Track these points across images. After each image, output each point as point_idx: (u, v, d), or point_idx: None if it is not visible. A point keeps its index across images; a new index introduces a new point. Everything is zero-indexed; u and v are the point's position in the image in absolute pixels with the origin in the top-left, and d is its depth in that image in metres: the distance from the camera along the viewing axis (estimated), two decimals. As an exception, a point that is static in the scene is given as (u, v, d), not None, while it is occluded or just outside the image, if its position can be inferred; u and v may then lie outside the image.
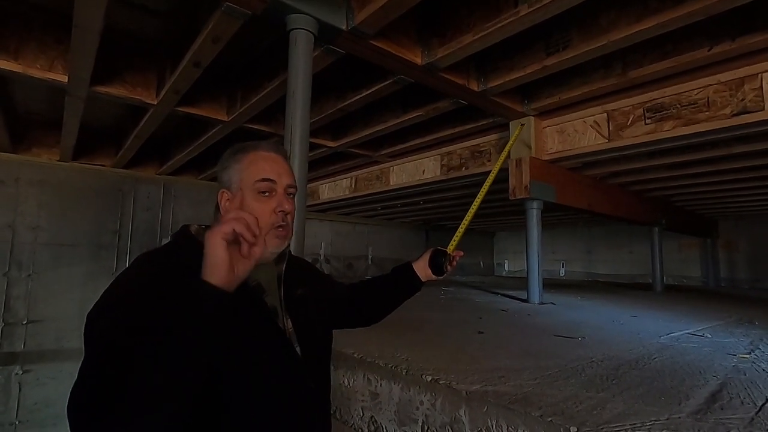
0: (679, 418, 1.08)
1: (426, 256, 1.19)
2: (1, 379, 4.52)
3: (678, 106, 2.96)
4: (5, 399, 4.51)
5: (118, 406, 0.58)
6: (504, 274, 10.55)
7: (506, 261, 10.69)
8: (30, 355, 4.68)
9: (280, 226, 0.86)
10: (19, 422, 4.54)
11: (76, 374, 0.66)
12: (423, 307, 3.34)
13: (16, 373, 4.59)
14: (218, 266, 0.62)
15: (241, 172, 0.86)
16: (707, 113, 2.83)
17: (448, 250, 1.21)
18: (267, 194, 0.85)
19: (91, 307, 0.72)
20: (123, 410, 0.58)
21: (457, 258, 1.23)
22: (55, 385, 4.71)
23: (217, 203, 0.88)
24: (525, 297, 3.93)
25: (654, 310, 3.53)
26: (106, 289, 0.74)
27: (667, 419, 1.07)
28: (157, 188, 5.79)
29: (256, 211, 0.83)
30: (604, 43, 2.35)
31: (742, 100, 2.69)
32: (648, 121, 3.09)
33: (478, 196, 1.56)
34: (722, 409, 1.15)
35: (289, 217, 0.87)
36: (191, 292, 0.63)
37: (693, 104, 2.89)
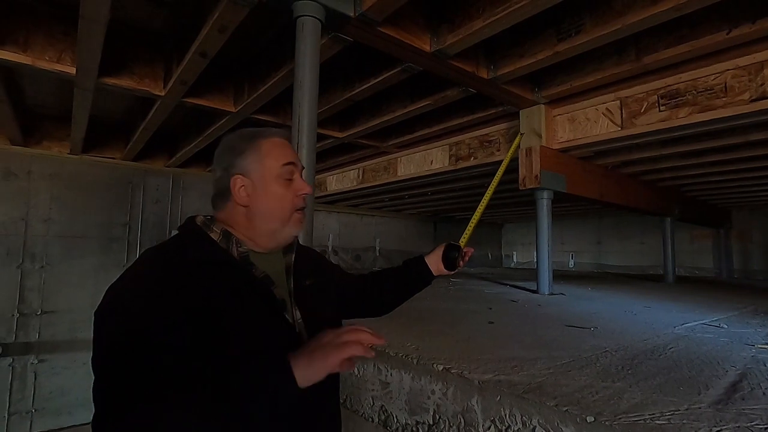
0: (699, 408, 1.06)
1: (439, 251, 1.18)
2: (17, 368, 4.62)
3: (694, 92, 2.88)
4: (22, 387, 4.62)
5: (138, 411, 0.60)
6: (512, 265, 10.49)
7: (514, 252, 10.62)
8: (45, 345, 4.77)
9: (300, 209, 0.89)
10: (35, 410, 4.65)
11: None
12: (432, 298, 3.33)
13: (32, 363, 4.69)
14: (318, 375, 0.61)
15: (264, 159, 0.85)
16: (724, 99, 2.75)
17: (460, 244, 1.19)
18: (289, 179, 0.88)
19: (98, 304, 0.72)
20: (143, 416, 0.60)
21: (469, 254, 1.21)
22: (69, 374, 4.79)
23: (226, 189, 0.84)
24: (534, 288, 3.90)
25: (667, 301, 3.49)
26: (112, 286, 0.73)
27: (687, 409, 1.04)
28: (166, 180, 5.82)
29: (280, 197, 0.86)
30: (618, 28, 2.28)
31: (762, 84, 2.61)
32: (662, 108, 3.01)
33: (485, 196, 1.53)
34: (743, 399, 1.13)
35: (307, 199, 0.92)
36: (269, 368, 0.62)
37: (709, 90, 2.82)
